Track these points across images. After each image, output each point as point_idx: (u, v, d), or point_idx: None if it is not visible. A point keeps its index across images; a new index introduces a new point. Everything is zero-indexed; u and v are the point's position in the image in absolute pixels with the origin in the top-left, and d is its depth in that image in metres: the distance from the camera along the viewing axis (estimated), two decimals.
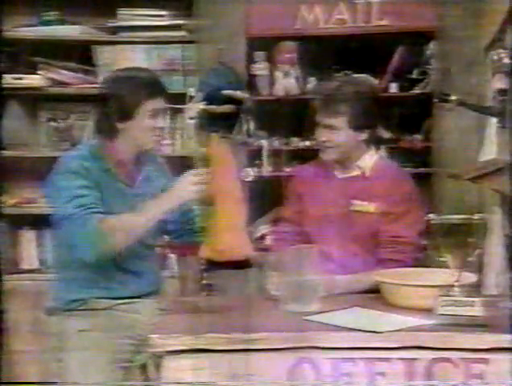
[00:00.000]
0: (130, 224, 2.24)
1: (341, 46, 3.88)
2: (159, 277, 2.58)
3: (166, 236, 2.72)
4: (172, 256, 3.62)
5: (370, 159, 2.54)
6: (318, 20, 4.01)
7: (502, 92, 2.90)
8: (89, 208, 2.23)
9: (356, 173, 2.52)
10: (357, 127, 2.46)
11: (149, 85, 2.36)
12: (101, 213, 2.25)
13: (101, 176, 2.32)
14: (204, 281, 2.84)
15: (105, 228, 2.20)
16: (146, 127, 2.34)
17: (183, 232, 2.60)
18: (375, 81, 4.08)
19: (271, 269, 2.30)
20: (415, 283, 2.09)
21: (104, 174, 2.33)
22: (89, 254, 2.22)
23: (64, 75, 3.90)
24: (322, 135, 2.49)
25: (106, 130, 2.36)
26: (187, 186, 2.22)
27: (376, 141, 2.68)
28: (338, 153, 2.49)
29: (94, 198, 2.27)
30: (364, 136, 2.49)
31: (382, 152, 3.92)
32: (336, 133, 2.46)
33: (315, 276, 2.12)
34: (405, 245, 2.40)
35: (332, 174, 2.55)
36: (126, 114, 2.32)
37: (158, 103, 2.36)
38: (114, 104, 2.32)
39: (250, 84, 4.04)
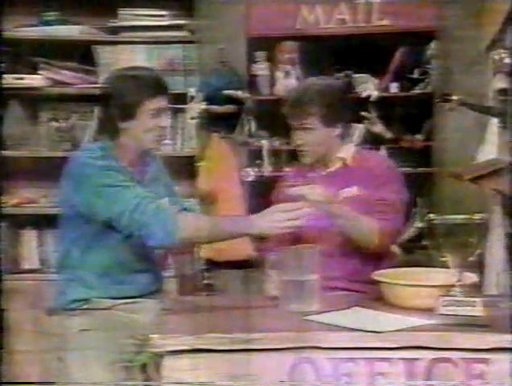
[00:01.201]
0: (206, 226, 2.21)
1: (342, 46, 3.89)
2: (161, 277, 2.58)
3: None
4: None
5: (349, 151, 2.57)
6: (319, 20, 4.02)
7: (503, 91, 2.91)
8: (146, 197, 2.22)
9: (337, 165, 2.55)
10: (328, 123, 2.49)
11: (151, 84, 2.33)
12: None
13: (121, 173, 2.32)
14: (204, 281, 2.85)
15: (183, 220, 2.20)
16: (149, 127, 2.32)
17: None
18: (376, 81, 4.08)
19: (271, 269, 2.29)
20: (416, 283, 2.09)
21: (122, 172, 2.33)
22: (162, 240, 2.19)
23: (65, 75, 3.90)
24: (297, 138, 2.53)
25: (109, 130, 2.35)
26: (273, 222, 2.11)
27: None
28: (316, 154, 2.53)
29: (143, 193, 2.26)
30: (337, 131, 2.53)
31: (382, 151, 3.93)
32: (310, 133, 2.49)
33: (313, 275, 2.12)
34: (388, 207, 2.42)
35: (313, 174, 2.56)
36: (128, 114, 2.29)
37: (161, 102, 2.33)
38: (116, 104, 2.30)
39: (251, 84, 4.05)
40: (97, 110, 2.48)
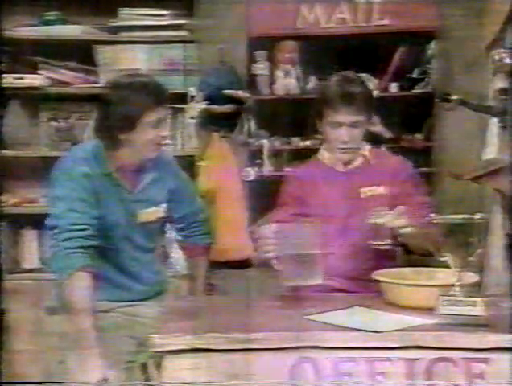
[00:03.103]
0: (79, 303, 2.18)
1: (342, 45, 3.88)
2: (162, 280, 2.57)
3: (176, 235, 2.72)
4: (179, 255, 3.62)
5: (366, 148, 2.56)
6: (319, 20, 4.01)
7: (503, 91, 2.90)
8: (83, 230, 2.22)
9: (358, 162, 2.52)
10: (369, 119, 2.49)
11: (151, 96, 2.28)
12: (93, 236, 2.24)
13: (101, 181, 2.30)
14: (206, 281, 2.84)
15: (75, 277, 2.18)
16: (149, 138, 2.29)
17: (193, 232, 2.60)
18: (376, 80, 4.08)
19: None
20: (416, 283, 2.09)
21: (104, 179, 2.31)
22: (52, 268, 2.27)
23: (65, 74, 3.90)
24: (343, 135, 2.45)
25: (108, 140, 2.31)
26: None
27: (374, 137, 2.70)
28: (356, 151, 2.50)
29: (90, 216, 2.25)
30: (367, 127, 2.51)
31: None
32: (358, 130, 2.45)
33: (315, 249, 2.12)
34: (430, 209, 2.41)
35: (332, 170, 2.54)
36: (128, 126, 2.26)
37: (161, 112, 2.31)
38: (116, 116, 2.26)
39: (251, 83, 4.04)
40: (94, 119, 2.43)
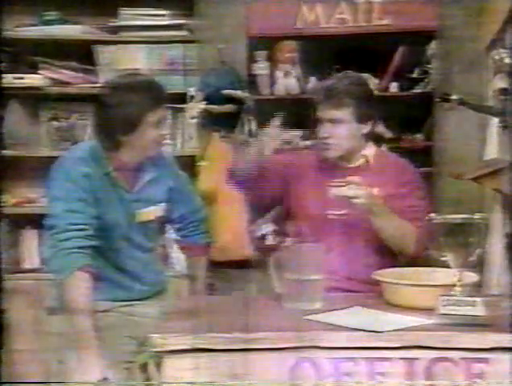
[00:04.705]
0: (78, 303, 2.20)
1: (342, 45, 3.88)
2: (162, 280, 2.57)
3: (175, 234, 2.72)
4: (179, 255, 3.62)
5: (371, 150, 2.55)
6: (319, 19, 4.01)
7: (503, 91, 2.90)
8: (82, 230, 2.22)
9: (360, 162, 2.52)
10: (360, 119, 2.45)
11: (151, 97, 2.28)
12: (92, 236, 2.24)
13: (100, 180, 2.30)
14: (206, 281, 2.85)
15: (75, 277, 2.19)
16: (150, 138, 2.30)
17: (191, 232, 2.60)
18: (376, 80, 4.08)
19: (274, 267, 2.29)
20: (416, 283, 2.09)
21: (102, 179, 2.31)
22: (50, 268, 2.29)
23: (65, 74, 3.91)
24: (325, 131, 2.46)
25: (108, 142, 2.31)
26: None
27: (375, 137, 2.69)
28: (341, 149, 2.47)
29: (89, 216, 2.25)
30: (366, 129, 2.49)
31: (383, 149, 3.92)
32: (340, 126, 2.44)
33: (317, 274, 2.12)
34: (421, 213, 2.38)
35: (335, 165, 2.52)
36: (130, 127, 2.26)
37: (161, 112, 2.31)
38: (116, 118, 2.25)
39: (251, 83, 4.04)
40: (94, 121, 2.43)
